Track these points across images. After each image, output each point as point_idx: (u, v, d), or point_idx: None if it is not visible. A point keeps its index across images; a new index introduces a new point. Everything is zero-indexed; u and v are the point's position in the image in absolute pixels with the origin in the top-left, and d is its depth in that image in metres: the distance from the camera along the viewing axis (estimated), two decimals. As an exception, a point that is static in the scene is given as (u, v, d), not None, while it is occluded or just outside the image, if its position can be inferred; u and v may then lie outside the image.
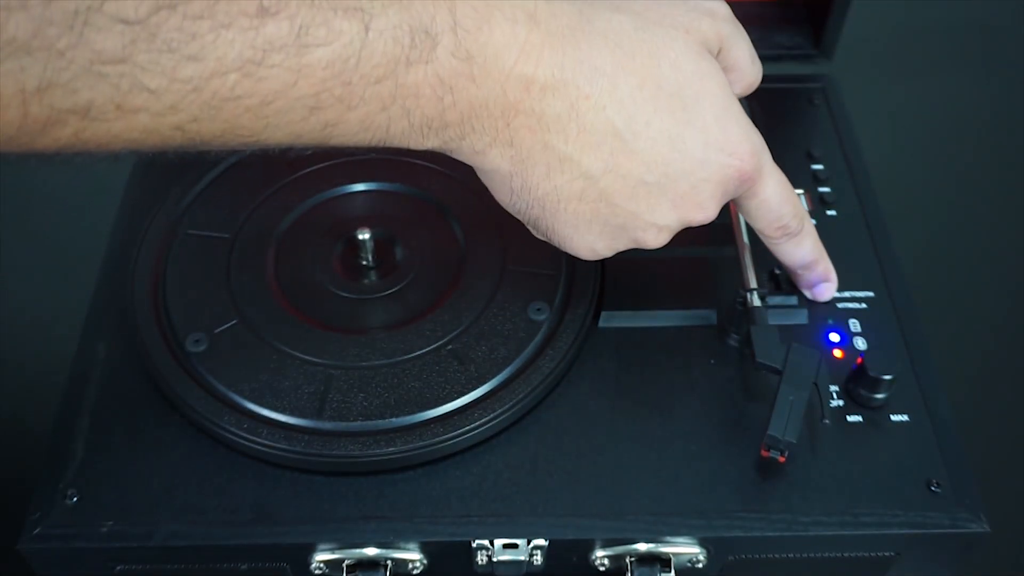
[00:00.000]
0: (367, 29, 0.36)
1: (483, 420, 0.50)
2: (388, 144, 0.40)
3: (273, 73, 0.34)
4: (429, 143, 0.41)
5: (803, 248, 0.52)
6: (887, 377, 0.51)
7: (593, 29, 0.42)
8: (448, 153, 0.43)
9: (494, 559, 0.49)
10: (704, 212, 0.46)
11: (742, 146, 0.45)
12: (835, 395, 0.53)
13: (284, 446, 0.49)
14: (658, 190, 0.44)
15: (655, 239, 0.46)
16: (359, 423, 0.50)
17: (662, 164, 0.43)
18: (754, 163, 0.46)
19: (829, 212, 0.63)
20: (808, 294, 0.56)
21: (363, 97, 0.37)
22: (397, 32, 0.37)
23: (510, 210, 0.46)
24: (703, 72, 0.44)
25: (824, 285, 0.56)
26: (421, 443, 0.49)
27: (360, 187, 0.62)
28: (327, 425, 0.50)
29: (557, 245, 0.47)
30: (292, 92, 0.35)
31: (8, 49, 0.30)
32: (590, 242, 0.46)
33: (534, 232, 0.47)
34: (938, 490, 0.50)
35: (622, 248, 0.47)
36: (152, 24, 0.32)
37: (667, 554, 0.49)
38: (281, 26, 0.34)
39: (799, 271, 0.55)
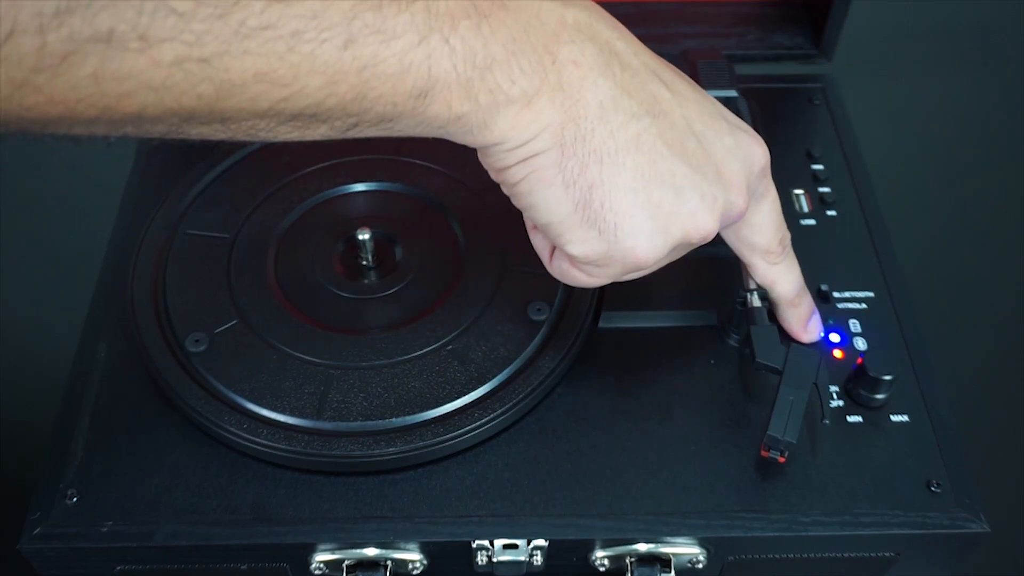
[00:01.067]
0: None
1: (483, 420, 0.50)
2: (433, 107, 0.37)
3: None
4: (479, 95, 0.38)
5: (795, 274, 0.52)
6: (887, 377, 0.51)
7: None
8: (487, 131, 0.39)
9: (494, 559, 0.49)
10: (739, 193, 0.44)
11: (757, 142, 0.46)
12: (835, 395, 0.53)
13: (284, 446, 0.49)
14: (704, 148, 0.43)
15: (704, 220, 0.43)
16: (359, 423, 0.50)
17: (699, 118, 0.43)
18: (769, 161, 0.46)
19: (829, 212, 0.63)
20: (803, 335, 0.54)
21: (396, 27, 0.35)
22: None
23: (552, 202, 0.41)
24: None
25: (815, 319, 0.54)
26: (421, 443, 0.49)
27: (360, 187, 0.62)
28: (327, 425, 0.50)
29: (610, 240, 0.42)
30: (322, 19, 0.33)
31: None
32: (647, 223, 0.42)
33: (579, 234, 0.42)
34: (938, 490, 0.50)
35: (674, 235, 0.43)
36: None
37: (667, 554, 0.49)
38: None
39: (793, 305, 0.52)
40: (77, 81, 0.30)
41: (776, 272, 0.51)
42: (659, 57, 0.44)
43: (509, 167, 0.41)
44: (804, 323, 0.53)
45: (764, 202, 0.47)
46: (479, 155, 0.42)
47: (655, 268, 0.44)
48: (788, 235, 0.50)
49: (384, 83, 0.35)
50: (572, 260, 0.44)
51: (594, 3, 0.42)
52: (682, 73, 0.45)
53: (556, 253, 0.46)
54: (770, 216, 0.48)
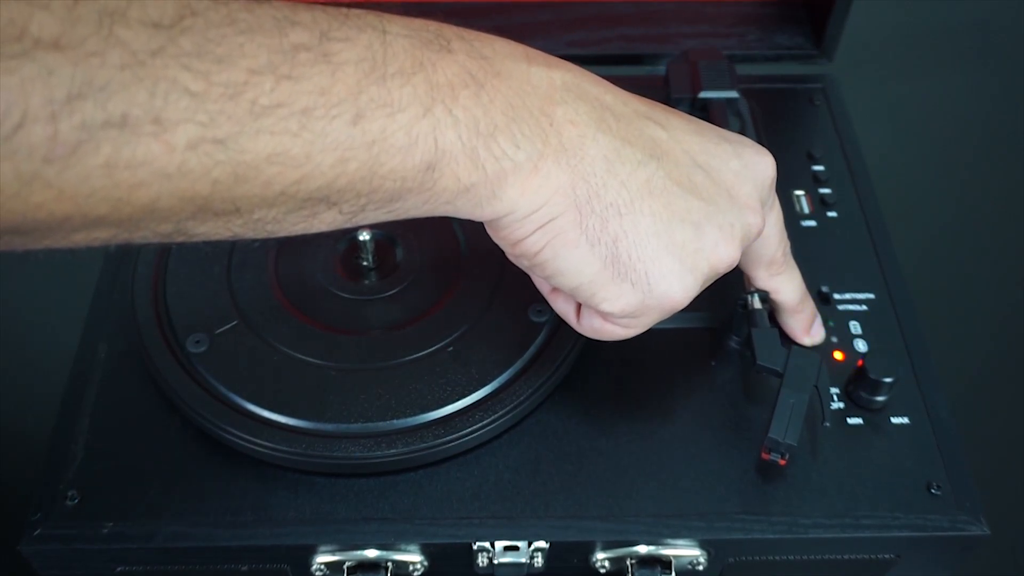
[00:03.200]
0: (384, 32, 0.36)
1: (484, 422, 0.50)
2: (442, 181, 0.37)
3: (307, 73, 0.33)
4: (486, 164, 0.38)
5: (797, 280, 0.52)
6: (888, 380, 0.51)
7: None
8: (496, 202, 0.39)
9: (495, 561, 0.49)
10: (755, 214, 0.44)
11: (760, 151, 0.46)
12: (835, 397, 0.53)
13: (285, 447, 0.49)
14: (712, 179, 0.43)
15: (727, 250, 0.43)
16: (360, 425, 0.50)
17: (701, 149, 0.43)
18: (775, 173, 0.46)
19: (829, 213, 0.63)
20: (805, 340, 0.54)
21: (401, 99, 0.35)
22: (411, 35, 0.37)
23: (581, 263, 0.41)
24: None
25: (818, 323, 0.54)
26: (422, 445, 0.49)
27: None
28: (328, 427, 0.50)
29: (644, 290, 0.42)
30: (331, 95, 0.34)
31: (33, 51, 0.27)
32: (676, 265, 0.41)
33: (612, 291, 0.42)
34: (938, 492, 0.50)
35: (702, 271, 0.42)
36: (179, 29, 0.30)
37: (668, 556, 0.49)
38: (303, 33, 0.33)
39: (796, 312, 0.53)
40: (89, 172, 0.29)
41: (778, 281, 0.51)
42: (646, 99, 0.44)
43: (527, 237, 0.41)
44: (807, 328, 0.53)
45: (771, 214, 0.47)
46: (490, 231, 0.42)
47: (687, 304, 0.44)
48: (789, 244, 0.50)
49: (393, 157, 0.36)
50: (606, 316, 0.44)
51: (572, 65, 0.42)
52: (671, 109, 0.45)
53: (584, 312, 0.45)
54: (776, 227, 0.48)
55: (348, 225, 0.38)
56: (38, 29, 0.27)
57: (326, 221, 0.37)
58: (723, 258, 0.43)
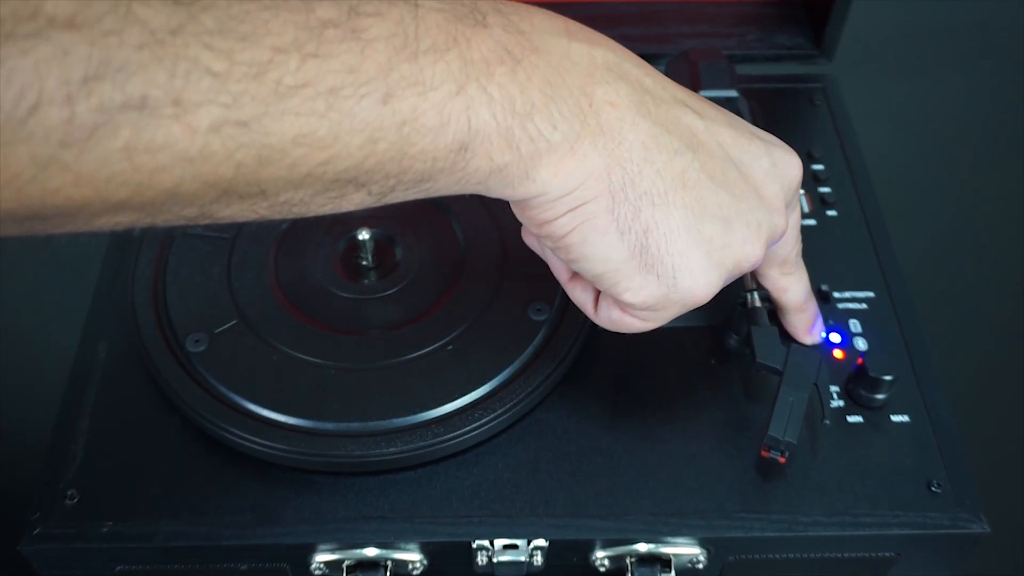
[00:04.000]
0: (416, 5, 0.34)
1: (483, 420, 0.50)
2: (475, 161, 0.36)
3: (335, 51, 0.32)
4: (521, 144, 0.36)
5: (804, 281, 0.52)
6: (887, 378, 0.51)
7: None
8: (529, 181, 0.38)
9: (494, 560, 0.49)
10: (780, 215, 0.43)
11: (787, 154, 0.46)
12: (835, 396, 0.53)
13: (284, 446, 0.49)
14: (743, 174, 0.42)
15: (753, 248, 0.42)
16: (359, 424, 0.50)
17: (734, 143, 0.42)
18: (801, 174, 0.46)
19: (829, 212, 0.63)
20: (807, 339, 0.53)
21: (434, 77, 0.34)
22: (445, 8, 0.35)
23: (608, 251, 0.40)
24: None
25: (819, 322, 0.54)
26: (421, 443, 0.49)
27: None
28: (327, 426, 0.50)
29: (668, 283, 0.41)
30: (359, 73, 0.32)
31: (48, 30, 0.26)
32: (703, 261, 0.41)
33: (636, 280, 0.41)
34: (938, 490, 0.50)
35: (727, 268, 0.42)
36: (201, 5, 0.29)
37: (667, 555, 0.49)
38: (330, 8, 0.32)
39: (801, 311, 0.52)
40: (108, 156, 0.28)
41: (788, 281, 0.50)
42: (682, 86, 0.43)
43: (556, 218, 0.39)
44: (809, 328, 0.53)
45: (793, 215, 0.47)
46: (516, 210, 0.41)
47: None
48: (801, 246, 0.50)
49: (424, 137, 0.34)
50: (625, 307, 0.43)
51: (614, 42, 0.41)
52: (705, 99, 0.44)
53: (603, 302, 0.45)
54: (795, 229, 0.48)
55: (377, 204, 0.37)
56: (53, 7, 0.26)
57: (354, 202, 0.36)
58: (748, 256, 0.42)
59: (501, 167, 0.37)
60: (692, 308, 0.42)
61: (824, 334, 0.55)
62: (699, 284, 0.41)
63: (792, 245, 0.48)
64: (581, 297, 0.46)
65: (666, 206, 0.40)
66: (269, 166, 0.32)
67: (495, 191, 0.38)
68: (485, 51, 0.35)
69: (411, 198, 0.37)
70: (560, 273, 0.46)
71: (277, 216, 0.35)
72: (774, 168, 0.43)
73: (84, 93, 0.27)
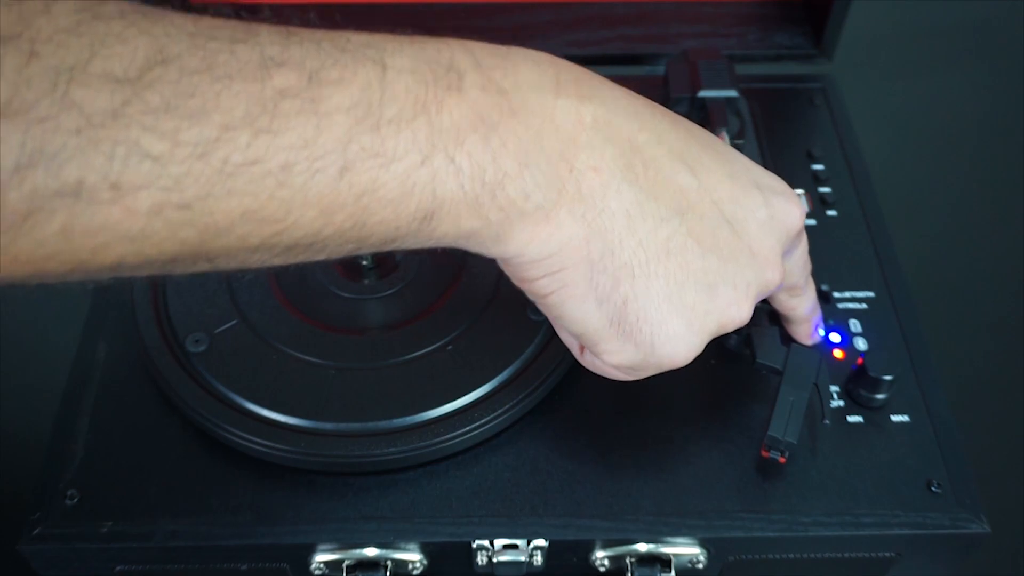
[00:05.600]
0: (384, 68, 0.33)
1: (483, 421, 0.50)
2: (441, 228, 0.35)
3: (289, 125, 0.30)
4: (490, 213, 0.35)
5: (811, 295, 0.50)
6: (887, 378, 0.51)
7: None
8: (502, 246, 0.37)
9: (494, 560, 0.49)
10: (775, 269, 0.42)
11: (782, 186, 0.44)
12: (835, 395, 0.53)
13: (284, 446, 0.49)
14: (736, 232, 0.40)
15: (738, 310, 0.41)
16: (359, 424, 0.50)
17: (731, 197, 0.40)
18: (803, 214, 0.44)
19: (829, 212, 0.63)
20: (808, 341, 0.52)
21: (396, 148, 0.32)
22: (417, 70, 0.33)
23: (586, 317, 0.39)
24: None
25: (820, 324, 0.53)
26: (421, 443, 0.49)
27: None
28: (327, 426, 0.50)
29: (646, 351, 0.40)
30: (315, 148, 0.31)
31: None
32: (682, 328, 0.40)
33: (614, 345, 0.40)
34: (938, 490, 0.50)
35: (709, 331, 0.41)
36: (146, 81, 0.28)
37: (667, 554, 0.49)
38: (289, 75, 0.30)
39: (805, 322, 0.51)
40: (44, 239, 0.27)
41: (796, 301, 0.49)
42: (681, 126, 0.41)
43: (534, 280, 0.38)
44: (811, 333, 0.52)
45: (796, 251, 0.45)
46: (499, 263, 0.39)
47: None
48: (811, 266, 0.48)
49: (385, 208, 0.33)
50: (606, 363, 0.42)
51: (613, 90, 0.39)
52: (708, 140, 0.42)
53: (587, 350, 0.43)
54: (801, 260, 0.46)
55: (342, 257, 0.36)
56: None
57: (318, 258, 0.35)
58: (734, 318, 0.41)
59: (469, 233, 0.36)
60: (673, 368, 0.41)
61: (823, 332, 0.55)
62: (679, 350, 0.40)
63: (799, 273, 0.47)
64: (568, 339, 0.44)
65: (646, 277, 0.38)
66: (216, 240, 0.31)
67: (471, 249, 0.37)
68: (457, 117, 0.34)
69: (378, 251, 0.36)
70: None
71: (236, 269, 0.34)
72: (771, 220, 0.42)
73: (16, 181, 0.26)
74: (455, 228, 0.35)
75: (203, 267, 0.33)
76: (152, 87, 0.28)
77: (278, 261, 0.34)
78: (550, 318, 0.41)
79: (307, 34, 0.32)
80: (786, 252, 0.44)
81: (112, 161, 0.27)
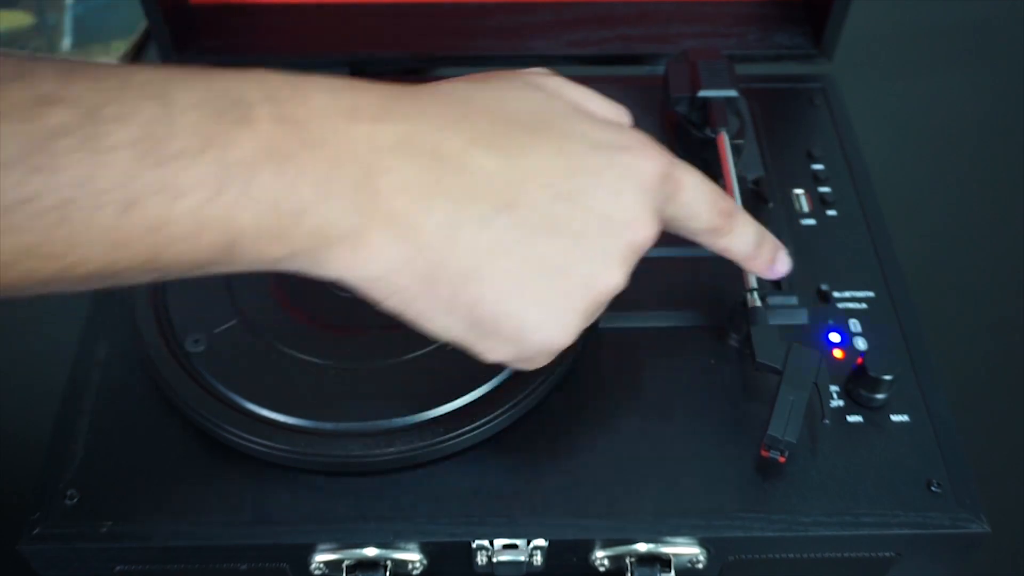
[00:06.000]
0: (168, 104, 0.32)
1: (483, 420, 0.50)
2: (247, 256, 0.34)
3: (66, 163, 0.30)
4: (295, 240, 0.35)
5: (747, 230, 0.47)
6: (887, 377, 0.51)
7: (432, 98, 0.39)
8: (324, 270, 0.37)
9: (494, 559, 0.49)
10: (640, 226, 0.41)
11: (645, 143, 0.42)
12: (835, 395, 0.53)
13: (284, 446, 0.49)
14: (579, 206, 0.39)
15: (607, 280, 0.40)
16: (359, 423, 0.50)
17: (566, 172, 0.39)
18: (666, 161, 0.42)
19: (829, 212, 0.63)
20: (771, 274, 0.50)
21: (184, 183, 0.32)
22: (203, 105, 0.33)
23: (445, 328, 0.39)
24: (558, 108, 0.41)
25: (781, 259, 0.50)
26: (421, 443, 0.49)
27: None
28: (327, 425, 0.50)
29: (517, 344, 0.40)
30: (94, 184, 0.30)
31: None
32: (543, 315, 0.39)
33: (485, 345, 0.40)
34: (938, 490, 0.50)
35: (580, 309, 0.40)
36: None
37: (667, 554, 0.49)
38: (64, 113, 0.30)
39: (753, 258, 0.48)
40: None
41: (726, 241, 0.46)
42: (503, 113, 0.40)
43: (380, 301, 0.39)
44: (768, 266, 0.49)
45: (681, 193, 0.43)
46: None
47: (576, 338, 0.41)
48: (730, 202, 0.46)
49: (178, 242, 0.33)
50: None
51: (418, 102, 0.38)
52: (540, 112, 0.41)
53: None
54: (697, 199, 0.44)
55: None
56: None
57: (125, 284, 0.35)
58: (602, 289, 0.40)
59: (279, 259, 0.36)
60: (560, 350, 0.41)
61: (788, 266, 0.51)
62: (552, 334, 0.40)
63: (707, 212, 0.44)
64: None
65: (484, 280, 0.38)
66: (4, 275, 0.31)
67: (293, 271, 0.37)
68: (248, 151, 0.33)
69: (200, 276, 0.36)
70: None
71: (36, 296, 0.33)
72: (621, 178, 0.40)
73: None
74: (259, 256, 0.35)
75: (18, 295, 0.32)
76: None
77: (85, 288, 0.34)
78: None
79: (90, 71, 0.32)
80: (664, 201, 0.42)
81: None
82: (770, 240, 0.49)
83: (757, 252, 0.48)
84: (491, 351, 0.41)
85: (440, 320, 0.39)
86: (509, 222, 0.38)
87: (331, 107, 0.36)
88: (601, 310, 0.42)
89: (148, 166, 0.31)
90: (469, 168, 0.38)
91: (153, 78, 0.33)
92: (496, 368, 0.52)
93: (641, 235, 0.41)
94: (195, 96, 0.33)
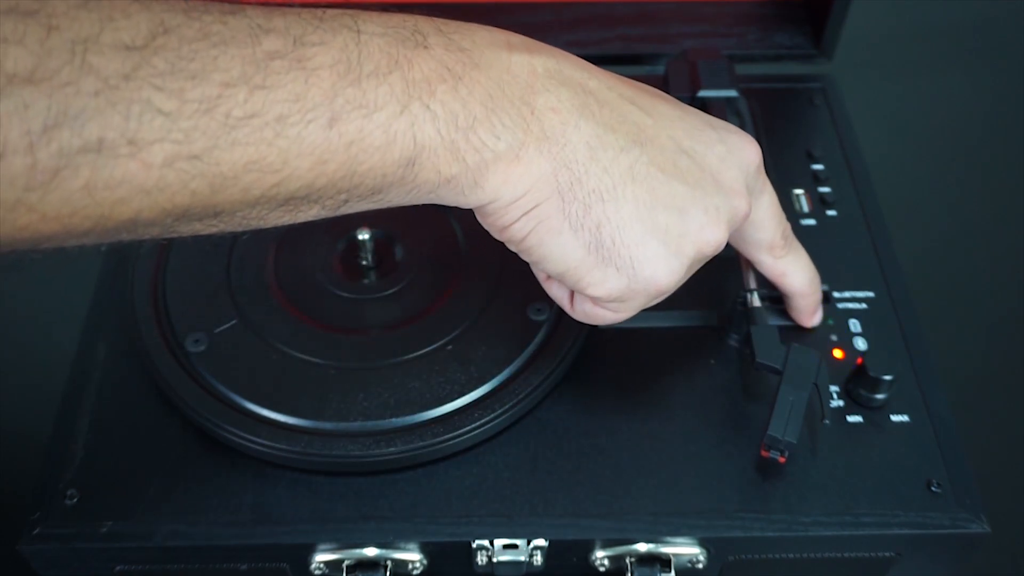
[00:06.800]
0: (358, 32, 0.36)
1: (483, 420, 0.50)
2: (423, 174, 0.38)
3: (281, 81, 0.34)
4: (466, 155, 0.38)
5: (804, 262, 0.52)
6: (887, 377, 0.51)
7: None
8: (477, 193, 0.40)
9: (494, 559, 0.49)
10: (741, 197, 0.44)
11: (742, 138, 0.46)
12: (835, 395, 0.53)
13: (284, 446, 0.49)
14: (697, 163, 0.43)
15: (713, 233, 0.43)
16: (359, 423, 0.50)
17: (686, 134, 0.43)
18: (762, 159, 0.46)
19: (829, 212, 0.63)
20: (809, 323, 0.55)
21: (377, 99, 0.36)
22: (387, 33, 0.37)
23: (565, 249, 0.41)
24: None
25: (820, 308, 0.56)
26: (421, 443, 0.49)
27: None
28: (327, 425, 0.50)
29: (628, 274, 0.42)
30: (305, 101, 0.34)
31: (9, 87, 0.28)
32: (660, 248, 0.42)
33: (597, 275, 0.42)
34: (938, 490, 0.50)
35: (688, 255, 0.43)
36: (152, 48, 0.31)
37: (667, 554, 0.49)
38: (276, 40, 0.34)
39: (806, 295, 0.53)
40: (70, 195, 0.30)
41: (784, 264, 0.51)
42: (633, 82, 0.44)
43: (512, 223, 0.41)
44: (814, 311, 0.54)
45: (763, 198, 0.48)
46: (478, 217, 0.42)
47: (676, 288, 0.44)
48: (789, 227, 0.50)
49: (372, 155, 0.36)
50: (595, 301, 0.44)
51: (560, 51, 0.43)
52: (659, 92, 0.45)
53: (576, 297, 0.46)
54: (770, 211, 0.48)
55: (332, 215, 0.39)
56: (13, 65, 0.28)
57: (309, 215, 0.38)
58: (709, 241, 0.43)
59: (449, 178, 0.39)
60: (660, 296, 0.44)
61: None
62: (660, 273, 0.42)
63: (773, 228, 0.49)
64: (558, 294, 0.47)
65: (616, 200, 0.41)
66: (223, 192, 0.34)
67: (448, 200, 0.40)
68: (427, 71, 0.37)
69: (367, 209, 0.40)
70: (538, 272, 0.47)
71: (237, 229, 0.37)
72: (729, 154, 0.44)
73: (45, 141, 0.29)
74: (436, 174, 0.38)
75: (209, 224, 0.36)
76: (158, 53, 0.31)
77: (276, 216, 0.37)
78: (533, 265, 0.44)
79: (288, 9, 0.36)
80: (752, 192, 0.46)
81: (128, 119, 0.31)
82: (819, 283, 0.54)
83: (811, 290, 0.53)
84: (600, 283, 0.42)
85: (564, 240, 0.41)
86: (643, 156, 0.42)
87: (491, 40, 0.40)
88: (698, 267, 0.45)
89: (347, 84, 0.35)
90: (610, 103, 0.42)
91: (341, 14, 0.37)
92: (496, 368, 0.52)
93: (741, 205, 0.44)
94: (378, 27, 0.37)
